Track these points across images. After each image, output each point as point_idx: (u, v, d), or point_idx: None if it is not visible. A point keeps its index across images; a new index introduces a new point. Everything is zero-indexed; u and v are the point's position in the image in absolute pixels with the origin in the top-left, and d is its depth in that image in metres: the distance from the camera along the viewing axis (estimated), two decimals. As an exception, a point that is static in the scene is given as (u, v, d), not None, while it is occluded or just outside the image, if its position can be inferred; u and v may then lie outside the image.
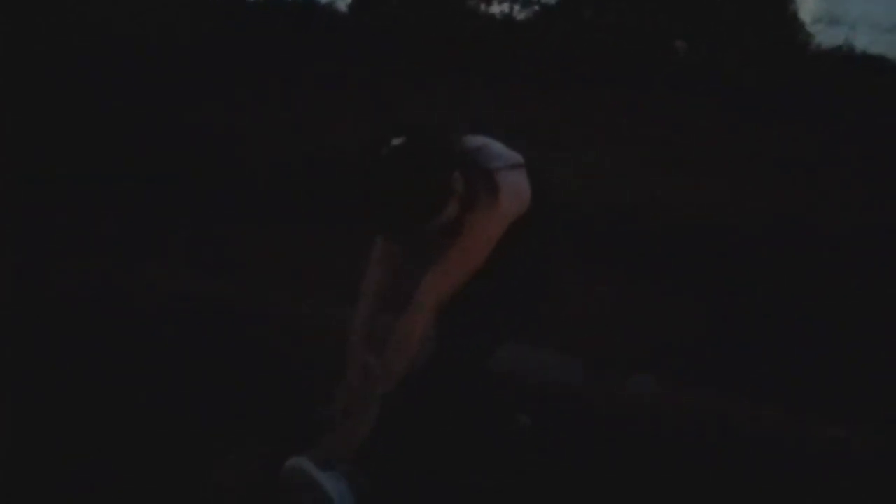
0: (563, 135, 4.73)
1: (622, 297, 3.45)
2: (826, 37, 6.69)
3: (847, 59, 6.26)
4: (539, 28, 6.40)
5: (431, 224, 1.85)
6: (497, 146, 2.05)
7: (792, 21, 6.55)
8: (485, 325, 2.08)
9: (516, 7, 6.63)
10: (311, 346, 2.87)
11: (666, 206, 4.04)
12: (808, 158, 4.54)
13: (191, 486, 2.10)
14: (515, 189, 1.98)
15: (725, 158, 4.56)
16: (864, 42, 6.61)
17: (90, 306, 3.03)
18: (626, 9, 6.19)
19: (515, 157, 2.04)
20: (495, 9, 6.70)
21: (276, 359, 2.81)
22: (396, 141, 1.81)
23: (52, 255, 3.44)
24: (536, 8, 6.63)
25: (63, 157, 4.38)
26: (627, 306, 3.39)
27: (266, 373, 2.71)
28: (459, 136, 2.01)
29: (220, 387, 2.58)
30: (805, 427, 2.60)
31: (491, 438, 2.32)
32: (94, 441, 2.26)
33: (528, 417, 2.39)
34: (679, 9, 6.20)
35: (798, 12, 6.65)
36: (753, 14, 6.30)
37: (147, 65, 5.27)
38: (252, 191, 4.11)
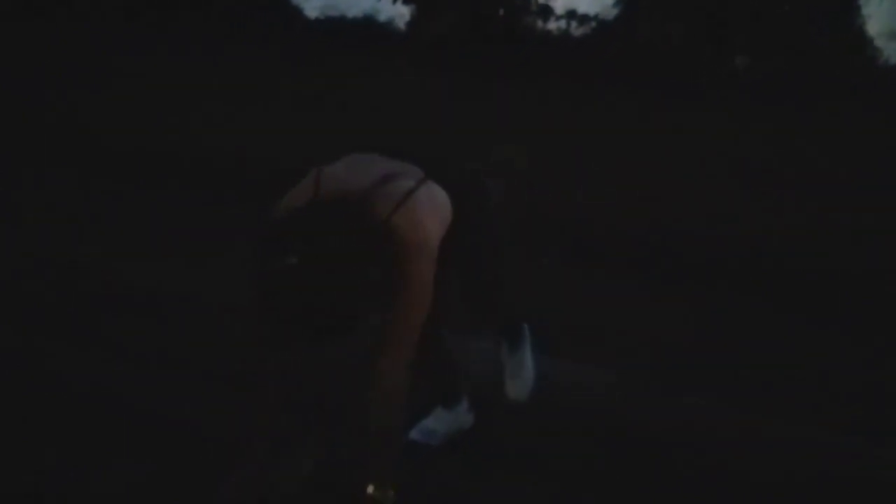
0: (624, 151, 4.71)
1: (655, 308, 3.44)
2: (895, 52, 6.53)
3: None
4: (596, 44, 6.41)
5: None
6: (395, 168, 1.90)
7: (859, 36, 6.41)
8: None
9: (573, 24, 6.66)
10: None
11: (733, 226, 4.01)
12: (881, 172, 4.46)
13: (194, 491, 2.08)
14: (432, 207, 1.85)
15: (792, 174, 4.50)
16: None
17: (89, 307, 3.07)
18: (685, 23, 6.13)
19: (415, 171, 1.91)
20: (552, 25, 6.74)
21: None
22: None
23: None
24: (594, 24, 6.64)
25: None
26: (641, 315, 3.36)
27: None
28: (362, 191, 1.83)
29: (219, 389, 2.57)
30: (801, 434, 2.59)
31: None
32: (95, 443, 2.27)
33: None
34: (740, 22, 6.12)
35: (865, 27, 6.51)
36: (818, 28, 6.20)
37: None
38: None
